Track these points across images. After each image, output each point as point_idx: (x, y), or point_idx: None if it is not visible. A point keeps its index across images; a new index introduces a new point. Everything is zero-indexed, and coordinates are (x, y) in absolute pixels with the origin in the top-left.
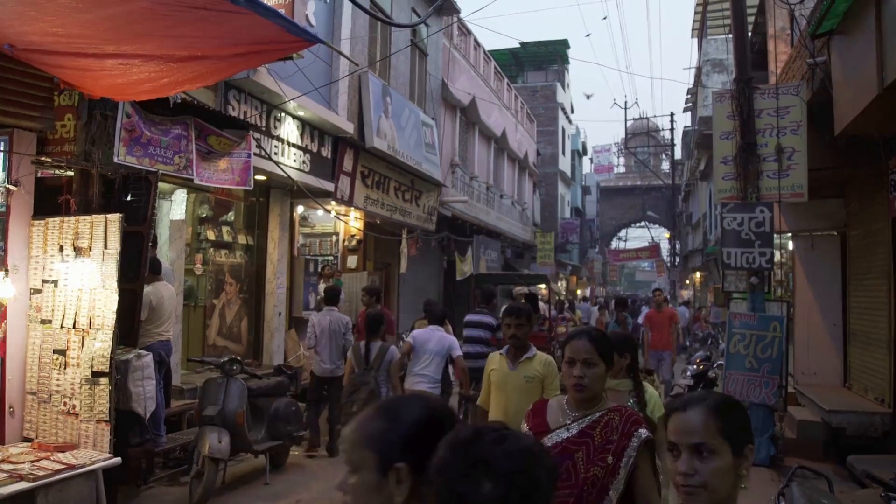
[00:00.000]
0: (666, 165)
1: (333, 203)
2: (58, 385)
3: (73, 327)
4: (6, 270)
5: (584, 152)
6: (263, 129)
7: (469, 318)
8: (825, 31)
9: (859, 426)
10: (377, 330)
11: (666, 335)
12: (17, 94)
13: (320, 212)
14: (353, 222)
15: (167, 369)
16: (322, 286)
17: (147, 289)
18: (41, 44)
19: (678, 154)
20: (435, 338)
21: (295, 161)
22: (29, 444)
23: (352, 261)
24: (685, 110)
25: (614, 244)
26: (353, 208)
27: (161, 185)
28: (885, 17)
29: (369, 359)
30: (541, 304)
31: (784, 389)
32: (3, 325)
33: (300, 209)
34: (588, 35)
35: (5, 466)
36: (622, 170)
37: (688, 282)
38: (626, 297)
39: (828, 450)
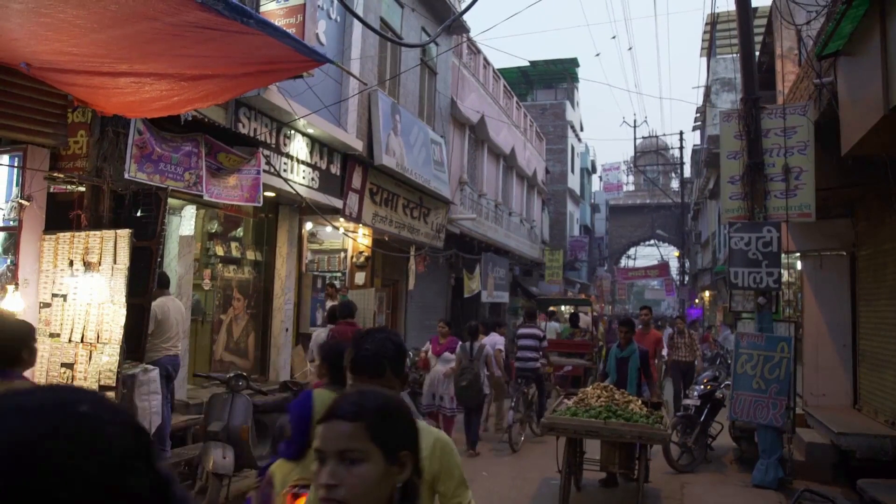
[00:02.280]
0: (675, 184)
1: (342, 220)
2: None
3: (82, 341)
4: (17, 284)
5: (594, 170)
6: (273, 146)
7: (521, 331)
8: (831, 52)
9: (869, 449)
10: (476, 334)
11: (650, 360)
12: (31, 110)
13: (329, 228)
14: (361, 239)
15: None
16: (329, 304)
17: (154, 303)
18: (56, 62)
19: (687, 172)
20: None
21: (304, 178)
22: None
23: (359, 277)
24: (694, 129)
25: (623, 262)
26: (361, 225)
27: (171, 200)
28: (890, 40)
29: (472, 353)
30: (583, 317)
31: (792, 411)
32: None
33: (309, 226)
34: (598, 54)
35: None
36: (631, 188)
37: (697, 301)
38: (631, 318)
39: (837, 473)
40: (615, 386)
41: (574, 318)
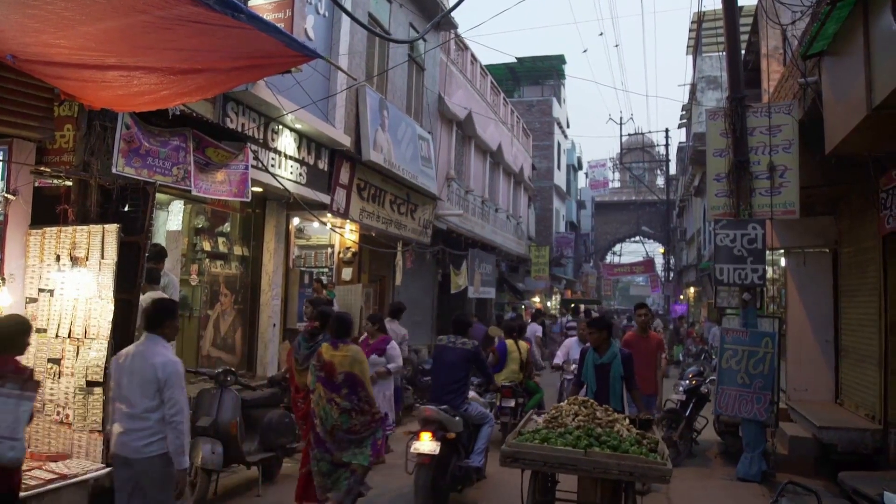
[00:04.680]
0: (661, 181)
1: (329, 215)
2: (51, 394)
3: (69, 337)
4: (2, 279)
5: (580, 167)
6: (261, 141)
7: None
8: (816, 52)
9: (850, 442)
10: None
11: (651, 371)
12: (17, 104)
13: (316, 224)
14: (348, 235)
15: None
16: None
17: (141, 297)
18: (44, 55)
19: (673, 170)
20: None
21: (292, 173)
22: None
23: (347, 273)
24: (680, 126)
25: (609, 259)
26: (348, 221)
27: (158, 195)
28: (873, 40)
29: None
30: (593, 313)
31: (776, 405)
32: None
33: (296, 221)
34: (585, 51)
35: None
36: (617, 185)
37: (682, 297)
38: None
39: (819, 466)
40: (595, 398)
41: (588, 314)
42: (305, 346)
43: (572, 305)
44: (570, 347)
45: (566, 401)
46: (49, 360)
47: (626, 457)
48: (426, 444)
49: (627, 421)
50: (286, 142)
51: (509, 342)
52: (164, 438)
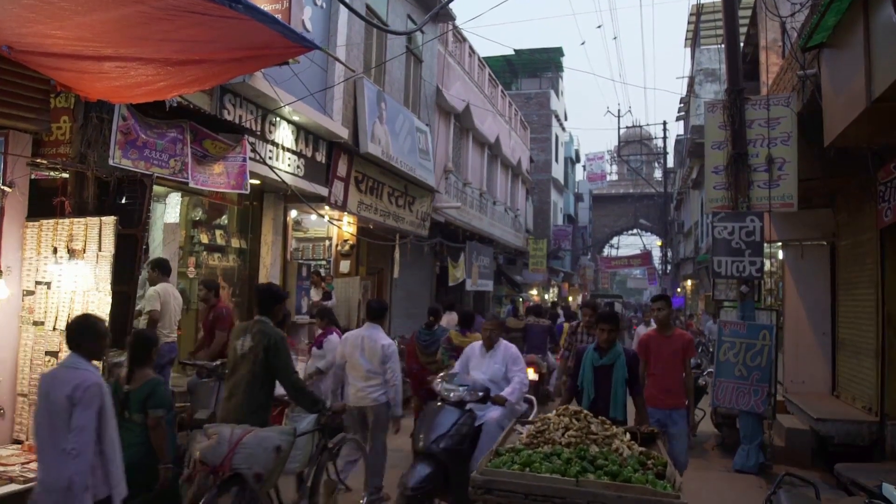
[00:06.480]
0: (658, 173)
1: (327, 208)
2: None
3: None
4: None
5: (577, 159)
6: (258, 133)
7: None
8: (815, 44)
9: (847, 434)
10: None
11: (676, 379)
12: (13, 95)
13: (314, 216)
14: (346, 227)
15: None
16: (314, 292)
17: (156, 287)
18: (39, 45)
19: (670, 162)
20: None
21: (289, 165)
22: (19, 446)
23: (344, 265)
24: (678, 119)
25: (606, 251)
26: (346, 213)
27: (155, 188)
28: (873, 32)
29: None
30: (617, 305)
31: (773, 397)
32: None
33: (294, 213)
34: (583, 43)
35: None
36: (615, 177)
37: (679, 290)
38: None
39: (816, 458)
40: (594, 406)
41: (611, 306)
42: (425, 334)
43: (596, 300)
44: (469, 356)
45: (554, 412)
46: (46, 353)
47: (627, 487)
48: (530, 374)
49: (628, 436)
50: (284, 134)
51: (566, 325)
52: (385, 393)
